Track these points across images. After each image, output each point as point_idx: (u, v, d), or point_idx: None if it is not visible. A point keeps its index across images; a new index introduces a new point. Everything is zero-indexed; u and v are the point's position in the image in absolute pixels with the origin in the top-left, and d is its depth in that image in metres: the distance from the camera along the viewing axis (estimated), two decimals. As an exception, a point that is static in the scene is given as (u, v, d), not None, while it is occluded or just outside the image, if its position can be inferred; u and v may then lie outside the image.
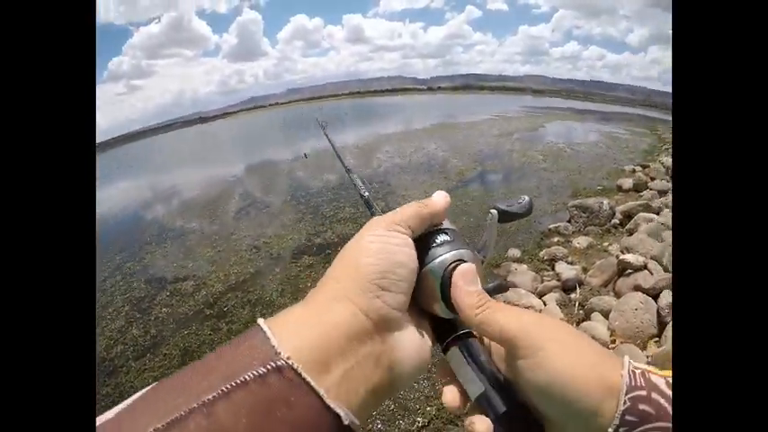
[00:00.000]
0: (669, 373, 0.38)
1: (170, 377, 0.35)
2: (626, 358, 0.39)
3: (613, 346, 3.72)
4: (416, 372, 0.41)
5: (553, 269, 5.35)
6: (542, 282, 5.07)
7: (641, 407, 0.35)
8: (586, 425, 0.37)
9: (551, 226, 6.90)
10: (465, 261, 0.46)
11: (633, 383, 0.36)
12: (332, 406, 0.32)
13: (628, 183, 9.37)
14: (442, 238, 0.48)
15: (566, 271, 5.04)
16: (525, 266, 5.57)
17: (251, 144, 30.72)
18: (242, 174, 16.59)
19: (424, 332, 0.45)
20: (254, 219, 10.14)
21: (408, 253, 0.43)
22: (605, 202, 7.07)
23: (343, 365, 0.35)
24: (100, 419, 0.32)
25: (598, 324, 3.96)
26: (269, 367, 0.31)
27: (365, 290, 0.39)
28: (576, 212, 7.07)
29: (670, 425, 0.35)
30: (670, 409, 0.35)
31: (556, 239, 6.36)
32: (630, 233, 5.94)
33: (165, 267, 8.41)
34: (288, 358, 0.32)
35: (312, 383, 0.31)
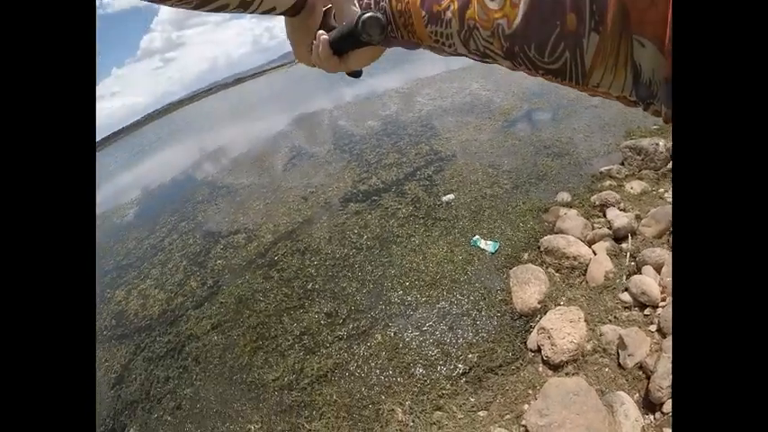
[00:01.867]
0: None
1: None
2: None
3: (663, 303, 3.59)
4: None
5: (604, 215, 5.14)
6: (593, 229, 4.91)
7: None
8: None
9: (603, 168, 6.56)
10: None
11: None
12: None
13: (686, 120, 8.83)
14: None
15: (617, 218, 4.82)
16: (575, 212, 5.38)
17: (291, 98, 30.82)
18: (285, 127, 16.87)
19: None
20: (301, 169, 10.35)
21: None
22: (661, 143, 6.65)
23: None
24: None
25: (649, 279, 3.81)
26: None
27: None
28: (629, 154, 6.68)
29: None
30: None
31: (608, 183, 6.07)
32: (688, 177, 5.63)
33: (218, 223, 8.88)
34: None
35: None
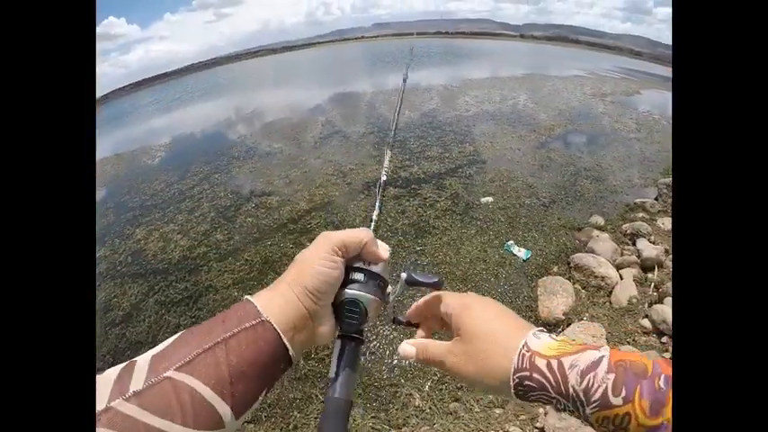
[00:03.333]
0: (555, 352, 0.51)
1: (190, 330, 0.53)
2: (522, 341, 0.54)
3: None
4: (327, 340, 0.64)
5: (634, 244, 5.34)
6: (622, 255, 5.10)
7: (525, 383, 0.51)
8: (497, 395, 0.62)
9: (638, 200, 6.78)
10: (360, 302, 0.63)
11: (519, 366, 0.52)
12: (287, 345, 0.56)
13: (726, 165, 8.89)
14: (358, 276, 0.63)
15: (647, 249, 5.02)
16: (607, 236, 5.59)
17: (336, 75, 30.36)
18: (326, 103, 16.58)
19: (332, 321, 0.64)
20: (340, 146, 10.24)
21: (337, 276, 0.61)
22: (698, 185, 6.82)
23: (294, 329, 0.58)
24: (146, 356, 0.50)
25: (668, 308, 3.97)
26: (257, 321, 0.54)
27: (306, 295, 0.58)
28: (665, 191, 6.87)
29: (553, 394, 0.49)
30: (548, 383, 0.49)
31: (640, 215, 6.27)
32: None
33: (252, 181, 8.66)
34: (267, 318, 0.55)
35: (278, 331, 0.55)
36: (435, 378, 3.74)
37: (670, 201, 6.65)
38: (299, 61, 57.61)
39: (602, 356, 0.47)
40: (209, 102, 25.18)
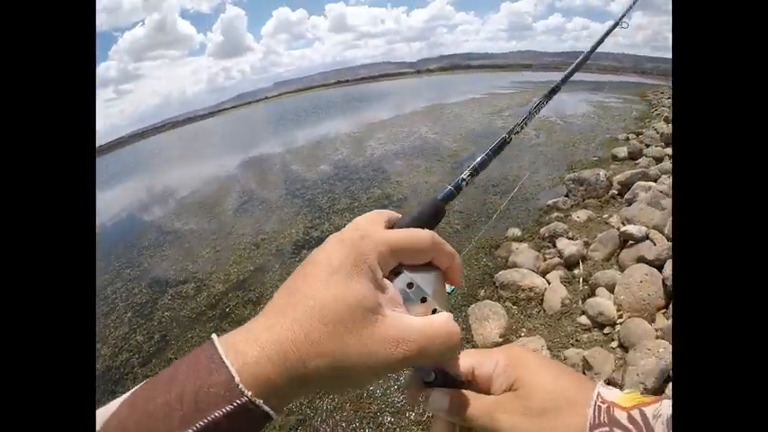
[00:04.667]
0: (634, 402, 0.42)
1: (133, 391, 0.38)
2: (595, 391, 0.43)
3: (621, 320, 3.70)
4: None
5: (554, 246, 5.30)
6: (545, 260, 5.04)
7: None
8: None
9: (549, 201, 6.87)
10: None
11: (596, 421, 0.41)
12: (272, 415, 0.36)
13: (623, 151, 9.34)
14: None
15: (567, 247, 5.00)
16: (526, 245, 5.53)
17: (243, 140, 30.63)
18: (236, 171, 16.51)
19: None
20: (252, 215, 10.09)
21: (361, 314, 0.38)
22: (602, 172, 7.01)
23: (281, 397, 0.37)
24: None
25: (603, 300, 3.94)
26: (233, 406, 0.34)
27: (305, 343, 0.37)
28: (573, 186, 7.01)
29: None
30: None
31: (555, 215, 6.32)
32: (629, 203, 5.90)
33: (165, 271, 8.34)
34: (251, 395, 0.35)
35: (269, 411, 0.35)
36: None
37: (580, 194, 6.81)
38: (205, 130, 57.88)
39: None
40: (116, 187, 24.75)
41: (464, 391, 0.47)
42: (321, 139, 17.75)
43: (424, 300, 0.42)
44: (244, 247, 8.10)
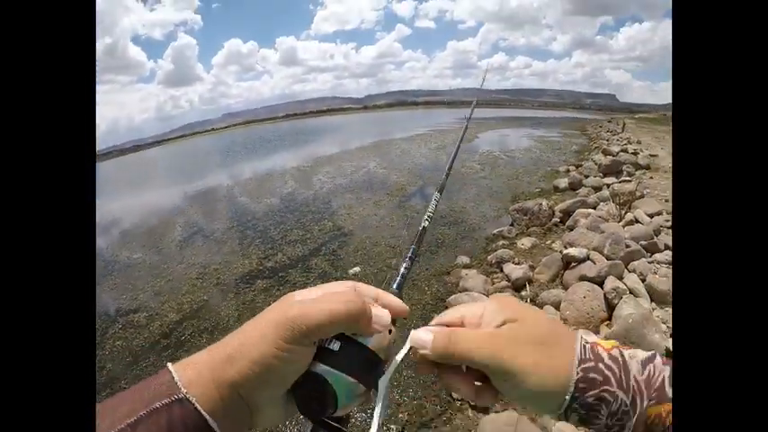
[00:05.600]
0: (613, 345, 0.47)
1: (101, 402, 0.42)
2: (578, 333, 0.48)
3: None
4: (275, 423, 0.49)
5: (502, 271, 5.52)
6: (493, 284, 5.22)
7: (590, 375, 0.44)
8: (547, 401, 0.46)
9: (495, 231, 7.16)
10: (327, 383, 0.45)
11: (583, 356, 0.45)
12: (212, 425, 0.41)
13: (563, 182, 9.87)
14: (333, 345, 0.46)
15: (514, 271, 5.22)
16: (475, 271, 5.73)
17: (190, 170, 29.85)
18: (183, 201, 16.09)
19: (279, 409, 0.47)
20: (202, 246, 9.89)
21: (293, 370, 0.44)
22: (544, 202, 7.42)
23: (224, 412, 0.43)
24: None
25: (550, 316, 4.10)
26: (172, 399, 0.41)
27: (242, 380, 0.43)
28: (517, 216, 7.37)
29: (614, 389, 0.44)
30: (612, 375, 0.44)
31: (501, 243, 6.59)
32: (571, 229, 6.24)
33: (115, 300, 8.02)
34: (186, 394, 0.41)
35: (202, 412, 0.41)
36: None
37: (524, 223, 7.13)
38: (151, 159, 56.62)
39: (654, 352, 0.48)
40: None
41: (452, 328, 0.48)
42: (270, 172, 17.62)
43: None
44: (196, 277, 7.91)
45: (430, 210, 0.76)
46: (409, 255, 0.66)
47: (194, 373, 0.42)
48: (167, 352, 5.75)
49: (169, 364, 0.43)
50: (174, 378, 0.41)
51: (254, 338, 0.44)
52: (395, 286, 0.59)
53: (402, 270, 0.62)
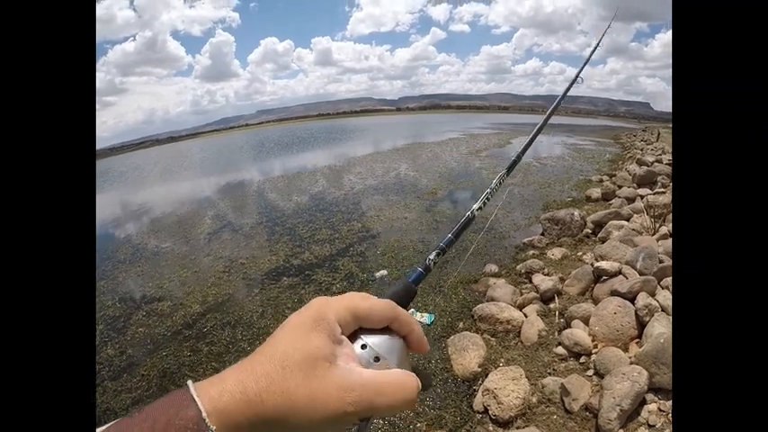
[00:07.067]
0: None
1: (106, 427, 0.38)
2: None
3: (596, 350, 3.80)
4: None
5: (531, 281, 5.45)
6: (521, 294, 5.15)
7: None
8: None
9: (525, 240, 7.07)
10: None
11: None
12: None
13: (596, 192, 9.69)
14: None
15: (543, 282, 5.13)
16: (503, 280, 5.65)
17: (224, 164, 30.33)
18: (215, 194, 16.36)
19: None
20: (230, 240, 10.01)
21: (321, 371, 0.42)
22: (576, 212, 7.28)
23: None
24: None
25: (579, 331, 4.03)
26: None
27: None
28: (548, 225, 7.25)
29: None
30: None
31: (531, 252, 6.50)
32: (603, 241, 6.11)
33: (141, 286, 8.18)
34: (215, 429, 0.37)
35: None
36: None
37: (555, 233, 7.02)
38: (186, 151, 57.19)
39: None
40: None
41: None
42: (301, 170, 17.77)
43: (377, 359, 0.44)
44: (223, 270, 8.00)
45: (493, 185, 0.72)
46: (443, 243, 0.65)
47: (217, 398, 0.39)
48: (188, 342, 5.81)
49: (194, 393, 0.39)
50: (201, 413, 0.38)
51: (292, 352, 0.41)
52: (411, 279, 0.58)
53: (427, 261, 0.62)
